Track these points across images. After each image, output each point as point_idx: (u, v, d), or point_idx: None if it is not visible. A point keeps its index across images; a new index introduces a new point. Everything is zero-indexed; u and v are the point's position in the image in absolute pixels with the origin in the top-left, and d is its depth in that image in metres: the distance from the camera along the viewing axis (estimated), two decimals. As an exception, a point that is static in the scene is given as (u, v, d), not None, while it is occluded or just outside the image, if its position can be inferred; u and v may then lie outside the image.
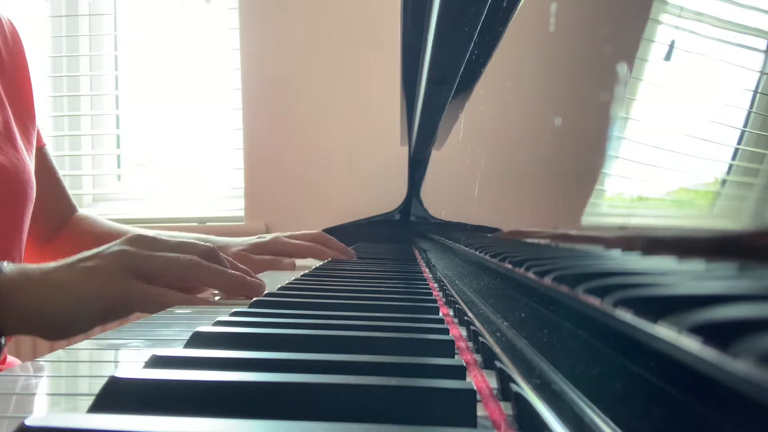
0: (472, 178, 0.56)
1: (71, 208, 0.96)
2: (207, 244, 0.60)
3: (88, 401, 0.21)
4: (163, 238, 0.58)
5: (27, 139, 0.83)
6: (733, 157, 0.15)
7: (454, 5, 0.52)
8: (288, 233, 0.94)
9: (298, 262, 1.00)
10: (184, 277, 0.55)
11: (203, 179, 1.76)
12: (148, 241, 0.56)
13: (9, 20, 0.87)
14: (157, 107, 1.78)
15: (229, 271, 0.58)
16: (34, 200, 0.80)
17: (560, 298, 0.25)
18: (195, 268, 0.55)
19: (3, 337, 0.53)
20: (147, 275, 0.54)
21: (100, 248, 0.55)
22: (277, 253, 0.88)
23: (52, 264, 0.55)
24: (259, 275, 0.62)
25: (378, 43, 1.51)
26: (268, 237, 0.90)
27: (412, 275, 0.68)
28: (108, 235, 0.87)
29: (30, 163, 0.81)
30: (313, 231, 0.96)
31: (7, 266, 0.53)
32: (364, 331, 0.33)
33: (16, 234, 0.78)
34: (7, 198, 0.75)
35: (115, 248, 0.55)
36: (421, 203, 1.33)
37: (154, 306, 0.52)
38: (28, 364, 0.33)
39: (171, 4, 1.77)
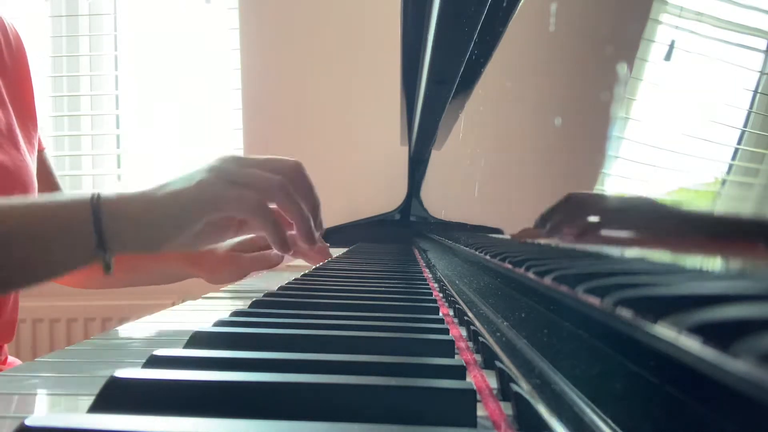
0: (472, 178, 0.56)
1: None
2: (294, 160, 0.61)
3: (88, 401, 0.21)
4: (250, 157, 0.59)
5: (29, 140, 0.83)
6: (733, 157, 0.15)
7: (454, 5, 0.52)
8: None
9: (297, 262, 1.00)
10: (272, 197, 0.56)
11: (203, 179, 1.75)
12: (238, 159, 0.58)
13: (12, 25, 0.87)
14: (157, 107, 1.78)
15: (304, 213, 0.58)
16: None
17: (560, 298, 0.25)
18: (282, 191, 0.56)
19: (111, 256, 0.54)
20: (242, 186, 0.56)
21: (197, 166, 0.57)
22: (262, 246, 0.87)
23: (145, 186, 0.56)
24: (257, 278, 0.63)
25: (378, 43, 1.51)
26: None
27: (412, 275, 0.68)
28: None
29: (32, 164, 0.81)
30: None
31: (102, 192, 0.55)
32: (364, 331, 0.33)
33: None
34: (9, 196, 0.75)
35: (208, 164, 0.57)
36: (421, 203, 1.33)
37: (244, 211, 0.54)
38: (29, 364, 0.33)
39: (171, 4, 1.77)
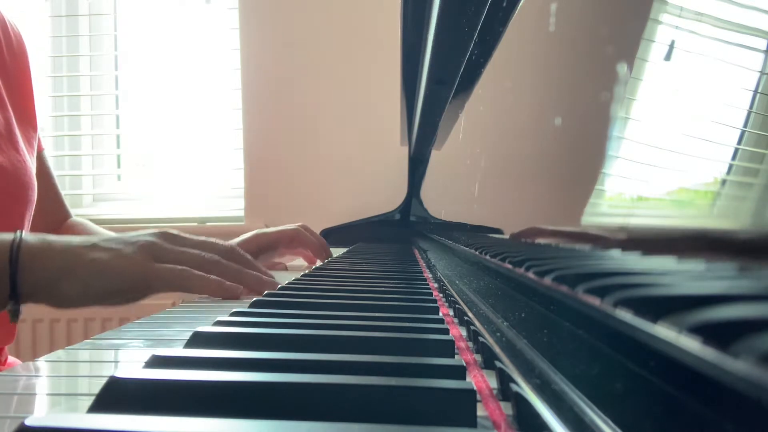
0: (472, 178, 0.56)
1: (65, 214, 0.96)
2: (228, 243, 0.63)
3: (88, 401, 0.21)
4: (186, 235, 0.60)
5: (28, 141, 0.83)
6: (733, 157, 0.15)
7: (454, 5, 0.52)
8: (269, 229, 0.94)
9: (296, 262, 1.00)
10: (205, 272, 0.57)
11: (203, 179, 1.76)
12: (173, 236, 0.59)
13: (16, 28, 0.87)
14: (157, 107, 1.78)
15: (246, 270, 0.60)
16: (35, 202, 0.80)
17: (560, 298, 0.25)
18: (216, 265, 0.58)
19: (20, 304, 0.53)
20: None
21: (127, 234, 0.57)
22: (261, 247, 0.88)
23: (77, 238, 0.56)
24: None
25: (378, 43, 1.51)
26: (249, 235, 0.90)
27: (412, 275, 0.68)
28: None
29: (31, 165, 0.81)
30: (294, 224, 0.96)
31: (26, 235, 0.54)
32: (364, 331, 0.33)
33: None
34: (7, 199, 0.75)
35: (142, 237, 0.57)
36: (421, 203, 1.33)
37: (175, 286, 0.54)
38: (29, 364, 0.33)
39: (171, 4, 1.77)
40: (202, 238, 0.61)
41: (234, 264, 0.60)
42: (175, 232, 0.60)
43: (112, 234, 0.58)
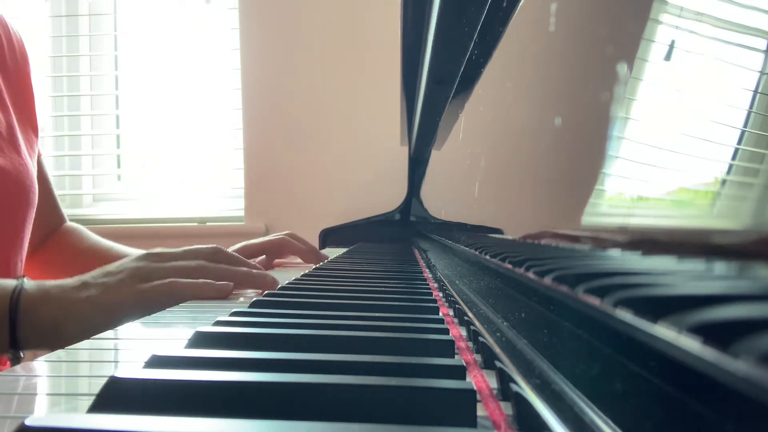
0: (472, 178, 0.56)
1: (60, 219, 0.97)
2: (211, 245, 0.64)
3: (88, 401, 0.21)
4: (169, 250, 0.62)
5: (30, 144, 0.83)
6: (733, 157, 0.15)
7: (454, 5, 0.52)
8: (257, 240, 0.95)
9: (298, 262, 1.00)
10: (193, 278, 0.59)
11: (203, 179, 1.76)
12: (156, 255, 0.61)
13: (19, 35, 0.87)
14: (157, 107, 1.78)
15: (234, 268, 0.62)
16: (35, 205, 0.80)
17: (560, 298, 0.25)
18: (202, 269, 0.60)
19: (21, 351, 0.55)
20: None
21: (113, 265, 0.60)
22: (248, 257, 0.89)
23: (70, 281, 0.58)
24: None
25: (378, 43, 1.51)
26: (236, 247, 0.91)
27: (412, 275, 0.68)
28: (88, 254, 0.89)
29: (33, 167, 0.81)
30: (281, 234, 0.97)
31: (27, 283, 0.56)
32: (364, 331, 0.33)
33: (17, 239, 0.78)
34: (9, 202, 0.75)
35: (128, 265, 0.59)
36: (421, 203, 1.33)
37: (165, 300, 0.55)
38: (29, 364, 0.33)
39: (171, 4, 1.77)
40: (185, 248, 0.64)
41: (221, 264, 0.62)
42: (158, 250, 0.63)
43: (101, 270, 0.59)
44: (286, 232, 0.97)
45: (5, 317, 0.53)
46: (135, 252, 0.92)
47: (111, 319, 0.54)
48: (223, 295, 0.58)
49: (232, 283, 0.59)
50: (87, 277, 0.58)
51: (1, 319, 0.53)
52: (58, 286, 0.57)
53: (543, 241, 0.31)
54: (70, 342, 0.56)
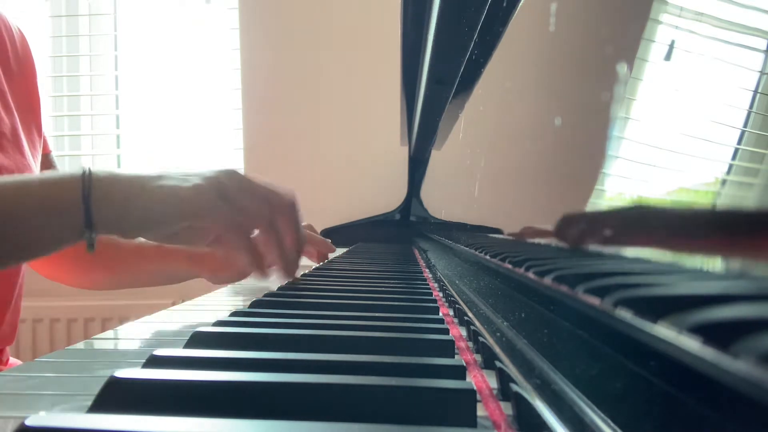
0: (472, 178, 0.56)
1: None
2: (290, 201, 0.61)
3: (88, 401, 0.21)
4: (252, 182, 0.59)
5: (33, 145, 0.83)
6: (733, 157, 0.15)
7: (454, 5, 0.52)
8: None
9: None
10: (256, 225, 0.57)
11: (203, 179, 1.75)
12: (239, 179, 0.58)
13: (19, 29, 0.87)
14: (157, 107, 1.78)
15: (286, 250, 0.59)
16: None
17: (560, 298, 0.25)
18: (268, 227, 0.57)
19: (94, 233, 0.54)
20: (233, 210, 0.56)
21: (197, 169, 0.57)
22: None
23: (142, 171, 0.57)
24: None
25: (378, 43, 1.51)
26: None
27: (412, 275, 0.68)
28: (104, 244, 0.88)
29: (36, 168, 0.81)
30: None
31: (94, 168, 0.55)
32: (364, 331, 0.33)
33: None
34: None
35: (209, 172, 0.57)
36: (421, 203, 1.33)
37: (230, 244, 0.54)
38: (29, 364, 0.33)
39: (171, 4, 1.77)
40: (266, 187, 0.59)
41: (278, 236, 0.58)
42: (240, 174, 0.59)
43: (178, 169, 0.57)
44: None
45: (79, 200, 0.52)
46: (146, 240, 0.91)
47: (171, 212, 0.54)
48: (260, 273, 0.57)
49: (267, 272, 0.58)
50: (163, 171, 0.57)
51: (74, 197, 0.52)
52: (129, 174, 0.56)
53: (543, 241, 0.31)
54: (136, 228, 0.56)
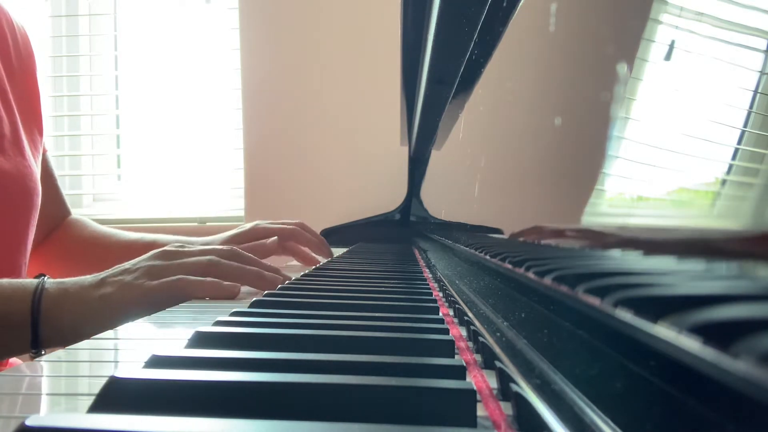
0: (472, 178, 0.56)
1: (65, 212, 0.96)
2: (228, 246, 0.64)
3: (88, 401, 0.21)
4: (186, 248, 0.62)
5: (34, 145, 0.83)
6: (733, 157, 0.15)
7: (454, 5, 0.52)
8: (268, 221, 0.94)
9: (294, 263, 1.00)
10: (202, 275, 0.59)
11: (203, 179, 1.75)
12: (172, 252, 0.61)
13: (23, 27, 0.87)
14: (157, 107, 1.78)
15: (245, 267, 0.62)
16: (39, 207, 0.80)
17: (560, 298, 0.25)
18: (214, 267, 0.60)
19: (41, 350, 0.56)
20: None
21: (131, 262, 0.61)
22: (258, 238, 0.88)
23: (88, 278, 0.59)
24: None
25: (378, 43, 1.51)
26: (248, 226, 0.90)
27: (412, 275, 0.68)
28: (89, 242, 0.89)
29: (36, 169, 0.81)
30: (294, 220, 0.96)
31: (48, 282, 0.57)
32: (364, 331, 0.33)
33: (21, 240, 0.78)
34: (12, 204, 0.75)
35: (143, 264, 0.60)
36: (421, 203, 1.33)
37: (173, 295, 0.56)
38: (29, 364, 0.33)
39: (171, 4, 1.77)
40: (203, 247, 0.64)
41: (233, 263, 0.61)
42: (173, 247, 0.63)
43: (117, 268, 0.60)
44: (298, 221, 0.96)
45: (27, 317, 0.54)
46: (139, 236, 0.92)
47: (120, 317, 0.55)
48: (230, 295, 0.58)
49: (239, 285, 0.59)
50: (105, 274, 0.59)
51: (23, 319, 0.54)
52: (77, 283, 0.58)
53: (543, 241, 0.31)
54: (90, 335, 0.57)
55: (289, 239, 0.92)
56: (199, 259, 0.60)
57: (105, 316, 0.55)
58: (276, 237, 0.89)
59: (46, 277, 0.58)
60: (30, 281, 0.57)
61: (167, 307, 0.54)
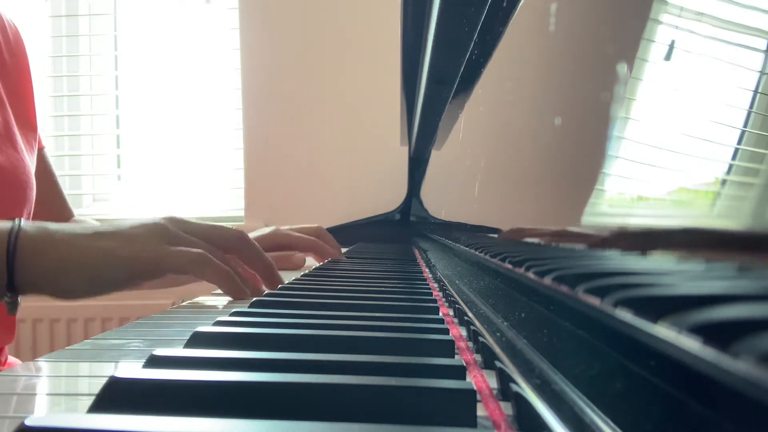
0: (472, 178, 0.56)
1: (67, 213, 0.96)
2: (237, 231, 0.59)
3: (88, 401, 0.21)
4: (194, 221, 0.57)
5: (27, 140, 0.83)
6: (733, 157, 0.15)
7: (454, 5, 0.52)
8: (287, 227, 0.93)
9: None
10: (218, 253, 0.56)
11: (203, 179, 1.76)
12: (181, 221, 0.56)
13: (13, 23, 0.87)
14: (157, 107, 1.78)
15: (259, 258, 0.59)
16: (33, 201, 0.80)
17: (560, 298, 0.25)
18: (229, 264, 0.56)
19: (17, 296, 0.50)
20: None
21: (125, 222, 0.55)
22: (280, 245, 0.87)
23: (76, 227, 0.53)
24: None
25: (378, 43, 1.51)
26: (268, 230, 0.89)
27: (412, 275, 0.68)
28: None
29: (30, 164, 0.81)
30: (314, 224, 0.95)
31: (25, 223, 0.51)
32: (364, 331, 0.33)
33: None
34: (6, 199, 0.75)
35: (150, 222, 0.54)
36: (421, 203, 1.33)
37: (188, 269, 0.52)
38: (29, 364, 0.33)
39: (171, 4, 1.77)
40: (211, 224, 0.59)
41: (235, 271, 0.58)
42: (181, 217, 0.57)
43: (108, 224, 0.55)
44: (316, 225, 0.93)
45: (2, 258, 0.49)
46: None
47: (121, 275, 0.51)
48: (239, 296, 0.55)
49: (248, 290, 0.57)
50: (100, 226, 0.54)
51: None
52: (64, 231, 0.52)
53: (543, 241, 0.31)
54: (73, 292, 0.52)
55: (310, 252, 0.91)
56: (216, 249, 0.55)
57: (103, 271, 0.50)
58: (303, 255, 0.89)
59: (22, 219, 0.52)
60: (4, 222, 0.51)
61: (172, 284, 0.50)
